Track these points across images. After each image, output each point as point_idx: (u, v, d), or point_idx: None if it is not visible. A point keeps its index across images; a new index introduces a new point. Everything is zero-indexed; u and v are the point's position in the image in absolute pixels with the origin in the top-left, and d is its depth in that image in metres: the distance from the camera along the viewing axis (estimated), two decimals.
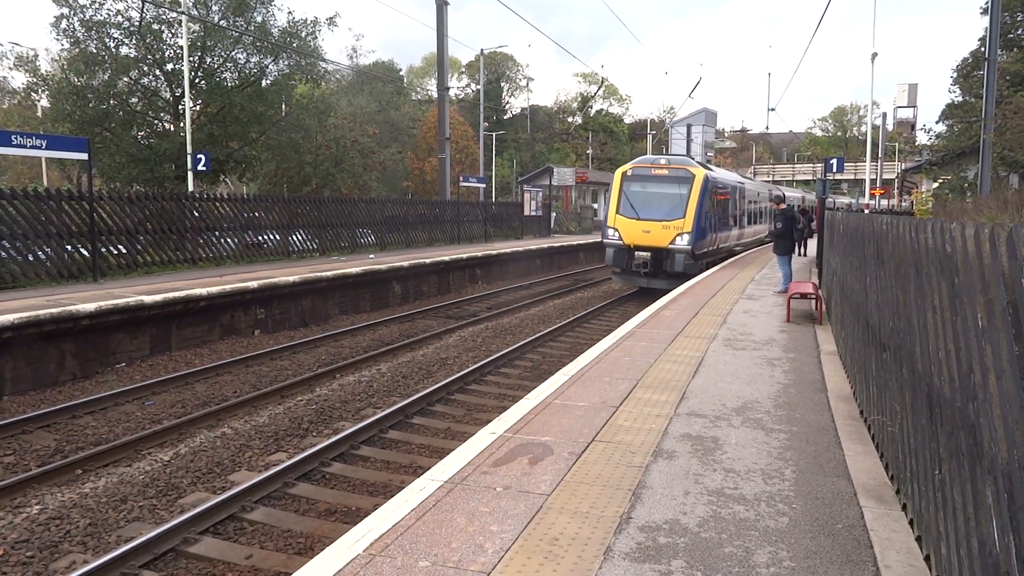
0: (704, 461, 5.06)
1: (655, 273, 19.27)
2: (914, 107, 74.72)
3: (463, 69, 73.76)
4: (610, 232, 19.77)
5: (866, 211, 24.56)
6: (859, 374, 6.54)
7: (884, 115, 48.00)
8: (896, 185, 56.22)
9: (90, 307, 10.97)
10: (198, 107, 24.76)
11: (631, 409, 6.31)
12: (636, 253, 19.33)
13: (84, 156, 14.55)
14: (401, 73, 71.75)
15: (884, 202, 44.86)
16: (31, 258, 13.72)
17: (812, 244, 24.34)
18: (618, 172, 20.50)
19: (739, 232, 25.00)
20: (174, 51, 23.41)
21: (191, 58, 22.30)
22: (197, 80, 23.78)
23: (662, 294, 14.98)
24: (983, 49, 23.87)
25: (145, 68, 23.74)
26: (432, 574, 3.49)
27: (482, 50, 43.33)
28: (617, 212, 19.64)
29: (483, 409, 9.75)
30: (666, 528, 4.02)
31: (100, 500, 6.65)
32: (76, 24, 22.42)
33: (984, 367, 2.59)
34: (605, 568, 3.58)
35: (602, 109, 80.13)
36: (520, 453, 5.16)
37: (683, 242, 18.70)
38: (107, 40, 22.89)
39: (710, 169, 21.84)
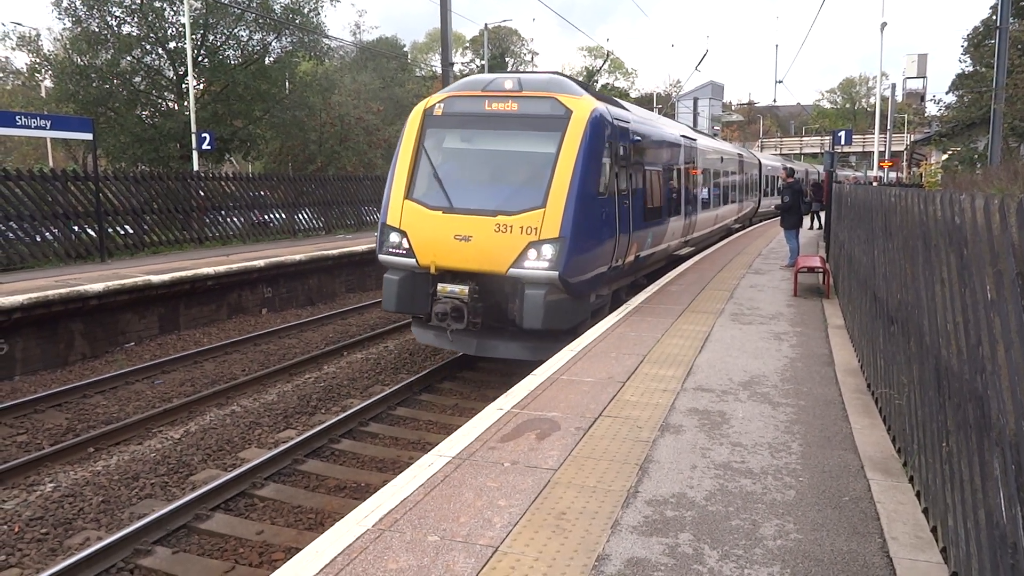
0: (711, 435, 5.07)
1: (488, 325, 9.19)
2: (924, 78, 73.64)
3: (467, 44, 73.12)
4: (392, 238, 9.39)
5: (873, 184, 24.36)
6: (867, 347, 6.52)
7: (893, 86, 47.39)
8: (905, 157, 55.69)
9: (98, 287, 11.02)
10: (201, 86, 24.67)
11: (638, 384, 6.32)
12: (442, 287, 9.06)
13: (89, 136, 14.56)
14: (405, 49, 71.15)
15: (892, 175, 44.43)
16: (38, 239, 13.78)
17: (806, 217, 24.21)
18: (416, 111, 9.99)
19: (686, 223, 14.79)
20: (176, 29, 23.31)
21: (193, 36, 22.18)
22: (200, 58, 23.67)
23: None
24: (995, 17, 23.48)
25: (148, 47, 23.66)
26: (441, 548, 3.52)
27: (486, 24, 42.94)
28: (407, 195, 9.43)
29: (490, 385, 9.79)
30: (673, 502, 4.04)
31: (112, 478, 6.73)
32: (77, 2, 22.33)
33: (993, 339, 2.58)
34: (612, 541, 3.61)
35: (608, 83, 79.43)
36: (527, 428, 5.18)
37: (542, 261, 8.65)
38: (109, 18, 22.81)
39: (617, 105, 11.21)
